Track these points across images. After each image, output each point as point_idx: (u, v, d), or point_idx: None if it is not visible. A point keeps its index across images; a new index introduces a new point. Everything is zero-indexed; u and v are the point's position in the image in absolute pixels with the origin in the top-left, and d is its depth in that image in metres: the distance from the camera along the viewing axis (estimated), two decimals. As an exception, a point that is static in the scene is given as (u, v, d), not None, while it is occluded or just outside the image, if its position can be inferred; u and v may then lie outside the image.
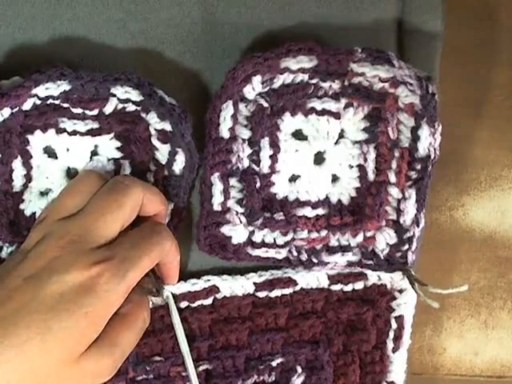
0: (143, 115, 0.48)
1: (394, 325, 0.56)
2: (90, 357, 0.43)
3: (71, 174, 0.49)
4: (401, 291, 0.56)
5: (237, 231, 0.52)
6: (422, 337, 0.64)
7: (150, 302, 0.53)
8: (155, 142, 0.49)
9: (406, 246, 0.53)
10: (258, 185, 0.51)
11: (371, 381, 0.57)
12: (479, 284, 0.63)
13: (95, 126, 0.48)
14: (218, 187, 0.50)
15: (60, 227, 0.44)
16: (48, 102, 0.47)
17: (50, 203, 0.48)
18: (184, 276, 0.53)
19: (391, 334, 0.56)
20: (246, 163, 0.51)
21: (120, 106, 0.48)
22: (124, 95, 0.47)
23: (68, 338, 0.41)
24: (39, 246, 0.44)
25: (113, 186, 0.46)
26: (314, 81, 0.49)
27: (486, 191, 0.62)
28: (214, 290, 0.54)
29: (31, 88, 0.45)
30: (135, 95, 0.47)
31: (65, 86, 0.46)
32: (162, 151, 0.49)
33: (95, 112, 0.48)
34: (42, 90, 0.46)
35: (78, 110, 0.47)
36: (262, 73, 0.48)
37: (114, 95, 0.47)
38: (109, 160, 0.50)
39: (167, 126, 0.48)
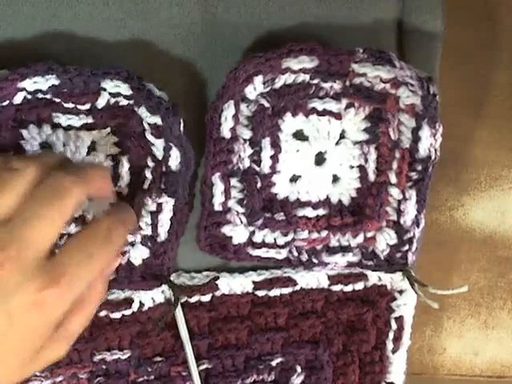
0: (136, 109, 0.48)
1: (393, 325, 0.56)
2: (48, 350, 0.42)
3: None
4: (401, 292, 0.56)
5: (237, 231, 0.52)
6: (421, 337, 0.64)
7: (151, 301, 0.53)
8: (149, 136, 0.48)
9: (406, 247, 0.53)
10: (259, 185, 0.51)
11: (370, 381, 0.58)
12: (479, 284, 0.63)
13: (89, 120, 0.48)
14: (218, 187, 0.50)
15: None
16: (39, 97, 0.47)
17: None
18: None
19: (391, 335, 0.56)
20: (246, 163, 0.50)
21: (112, 100, 0.48)
22: (114, 89, 0.47)
23: (22, 351, 0.41)
24: None
25: (52, 189, 0.41)
26: (315, 81, 0.49)
27: (486, 191, 0.62)
28: (212, 286, 0.54)
29: (17, 81, 0.45)
30: (125, 89, 0.47)
31: (53, 81, 0.46)
32: (158, 146, 0.49)
33: (87, 106, 0.48)
34: (29, 84, 0.46)
35: (70, 105, 0.47)
36: (263, 73, 0.48)
37: (105, 89, 0.47)
38: (107, 156, 0.50)
39: (159, 120, 0.48)
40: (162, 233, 0.50)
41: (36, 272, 0.40)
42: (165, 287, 0.53)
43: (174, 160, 0.49)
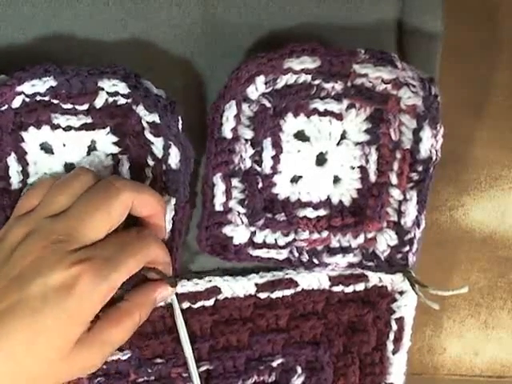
0: (134, 107, 0.48)
1: (394, 326, 0.56)
2: (80, 353, 0.44)
3: (70, 169, 0.49)
4: (401, 293, 0.56)
5: (238, 232, 0.52)
6: (422, 337, 0.64)
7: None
8: (148, 135, 0.48)
9: (407, 248, 0.53)
10: (260, 185, 0.51)
11: (371, 382, 0.58)
12: (479, 284, 0.63)
13: (88, 120, 0.48)
14: (219, 187, 0.50)
15: (47, 225, 0.44)
16: (37, 99, 0.47)
17: (31, 192, 0.48)
18: (186, 276, 0.53)
19: (391, 336, 0.56)
20: (248, 164, 0.50)
21: (110, 99, 0.48)
22: (112, 88, 0.47)
23: (54, 338, 0.42)
24: (25, 244, 0.44)
25: (103, 188, 0.46)
26: (316, 81, 0.49)
27: (486, 191, 0.62)
28: (215, 290, 0.54)
29: (15, 86, 0.45)
30: (123, 88, 0.47)
31: (51, 82, 0.46)
32: (157, 145, 0.49)
33: (85, 107, 0.48)
34: (28, 87, 0.46)
35: (69, 106, 0.47)
36: (265, 73, 0.48)
37: (103, 89, 0.47)
38: (107, 155, 0.50)
39: (157, 118, 0.48)
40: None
41: (74, 252, 0.43)
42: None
43: (174, 158, 0.49)
